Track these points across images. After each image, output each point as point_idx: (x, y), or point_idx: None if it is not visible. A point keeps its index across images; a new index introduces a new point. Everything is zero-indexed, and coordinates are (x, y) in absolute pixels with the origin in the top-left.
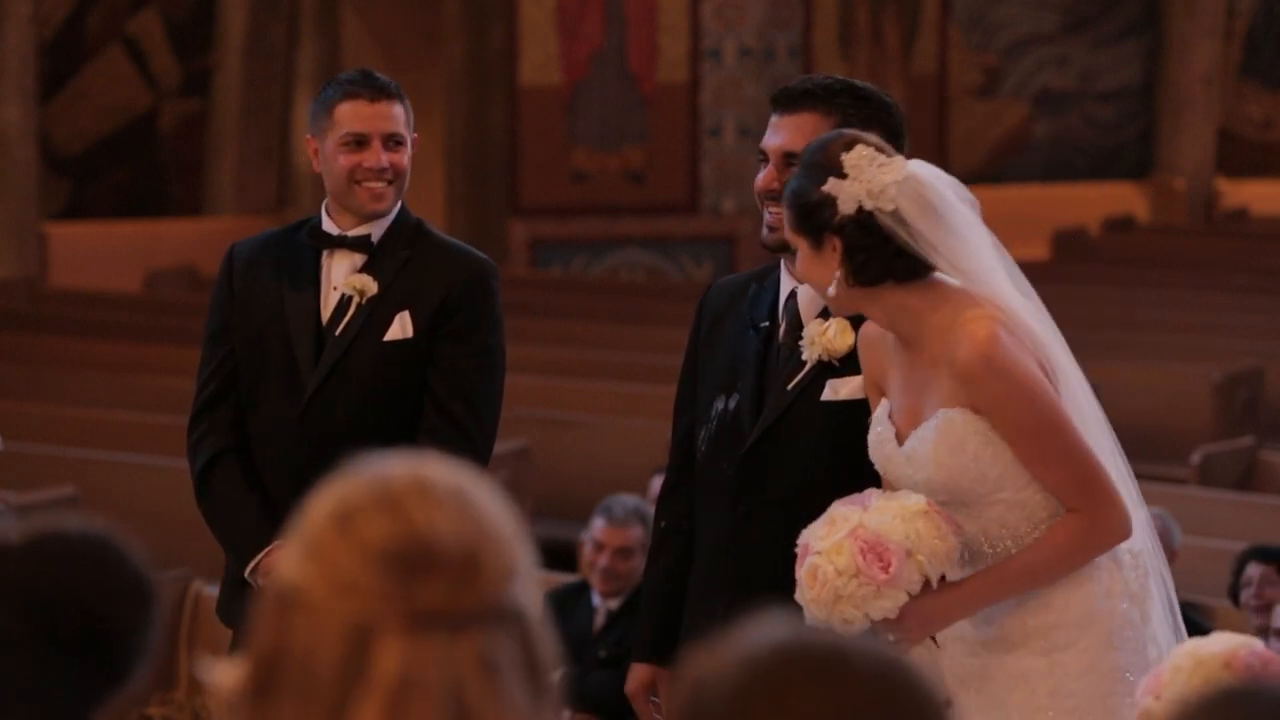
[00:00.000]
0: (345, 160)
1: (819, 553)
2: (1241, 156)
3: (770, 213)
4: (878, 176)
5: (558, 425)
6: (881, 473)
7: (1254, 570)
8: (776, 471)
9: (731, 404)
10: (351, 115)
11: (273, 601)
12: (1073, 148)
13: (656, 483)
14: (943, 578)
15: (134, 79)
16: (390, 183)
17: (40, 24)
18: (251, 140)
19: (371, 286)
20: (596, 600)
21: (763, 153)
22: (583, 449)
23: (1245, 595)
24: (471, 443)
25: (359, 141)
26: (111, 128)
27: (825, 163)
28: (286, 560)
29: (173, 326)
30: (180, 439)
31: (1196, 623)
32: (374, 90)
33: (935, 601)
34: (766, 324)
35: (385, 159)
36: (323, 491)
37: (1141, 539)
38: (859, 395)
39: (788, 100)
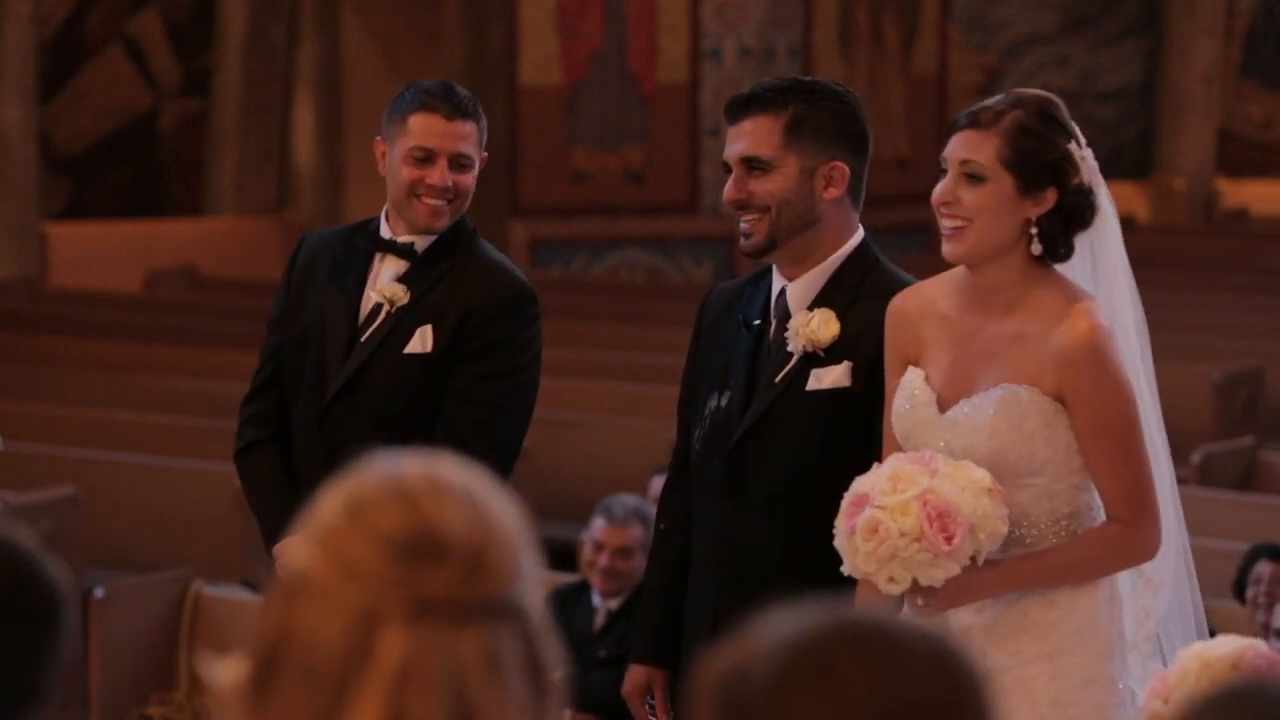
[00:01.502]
0: (409, 173)
1: (883, 508)
2: (1241, 156)
3: (744, 220)
4: (1091, 160)
5: (558, 425)
6: (906, 438)
7: (1264, 568)
8: (764, 465)
9: (724, 402)
10: (424, 129)
11: (279, 591)
12: None
13: (656, 483)
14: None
15: (134, 79)
16: (450, 201)
17: (40, 24)
18: (251, 140)
19: (403, 297)
20: (596, 600)
21: (726, 165)
22: (583, 449)
23: (1253, 592)
24: (482, 461)
25: (426, 158)
26: (111, 128)
27: (1066, 124)
28: (296, 549)
29: (173, 326)
30: (181, 439)
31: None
32: (451, 107)
33: (974, 578)
34: (759, 322)
35: (449, 179)
36: (336, 484)
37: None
38: (843, 384)
39: (738, 109)
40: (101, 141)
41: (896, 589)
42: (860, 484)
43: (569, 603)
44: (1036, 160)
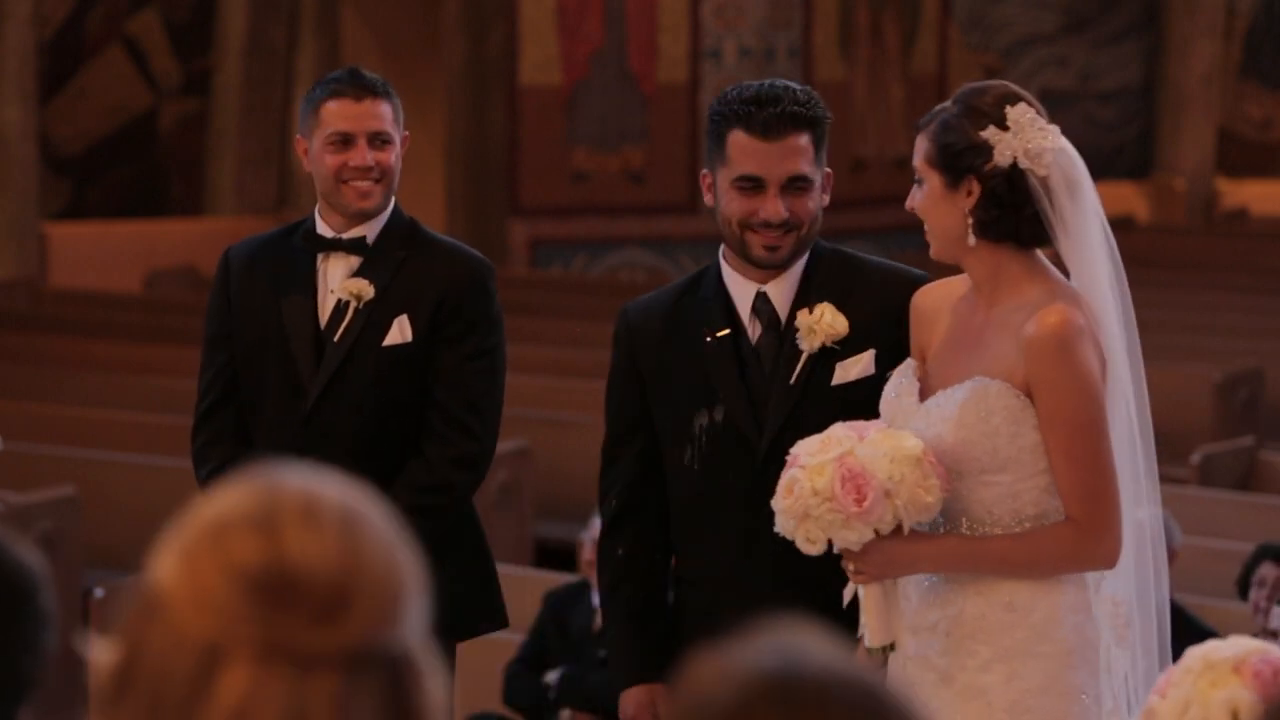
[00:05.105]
0: (332, 160)
1: (803, 468)
2: (1241, 156)
3: (772, 237)
4: (1037, 139)
5: (558, 425)
6: (890, 424)
7: (1269, 571)
8: None
9: (718, 416)
10: (337, 114)
11: (141, 599)
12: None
13: None
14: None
15: (134, 79)
16: (377, 181)
17: (40, 24)
18: (251, 140)
19: (368, 291)
20: (596, 600)
21: (750, 180)
22: (583, 449)
23: (1256, 595)
24: (478, 443)
25: (345, 140)
26: (111, 128)
27: (987, 110)
28: (160, 559)
29: (173, 326)
30: (181, 439)
31: (1195, 622)
32: (359, 89)
33: (903, 548)
34: (727, 330)
35: (371, 158)
36: (212, 494)
37: (1126, 584)
38: (869, 372)
39: (781, 125)
40: (101, 141)
41: (814, 549)
42: (797, 446)
43: (569, 603)
44: (953, 153)
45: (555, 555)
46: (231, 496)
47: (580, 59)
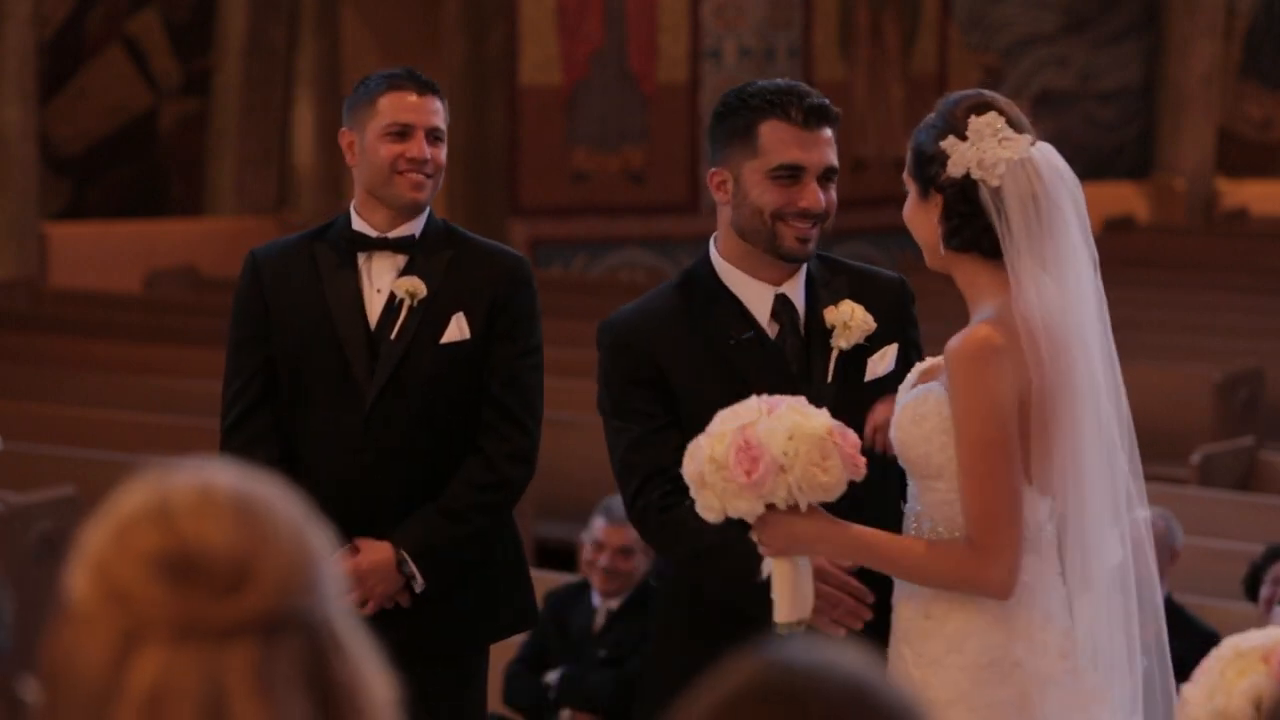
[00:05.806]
0: (387, 150)
1: (709, 434)
2: (1241, 156)
3: (804, 228)
4: (994, 149)
5: (558, 425)
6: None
7: None
8: None
9: None
10: (397, 106)
11: (59, 617)
12: (1073, 148)
13: None
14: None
15: (134, 79)
16: (429, 176)
17: (40, 24)
18: (251, 140)
19: (422, 289)
20: (596, 600)
21: (790, 169)
22: (583, 449)
23: (1269, 591)
24: (530, 437)
25: (403, 132)
26: (111, 128)
27: (952, 120)
28: (72, 574)
29: (173, 326)
30: (181, 439)
31: (1195, 623)
32: (420, 85)
33: (806, 525)
34: (751, 333)
35: (428, 151)
36: (108, 503)
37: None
38: (892, 368)
39: (820, 117)
40: (101, 141)
41: (712, 516)
42: (721, 412)
43: (569, 603)
44: (920, 163)
45: (555, 555)
46: (125, 501)
47: (580, 59)
